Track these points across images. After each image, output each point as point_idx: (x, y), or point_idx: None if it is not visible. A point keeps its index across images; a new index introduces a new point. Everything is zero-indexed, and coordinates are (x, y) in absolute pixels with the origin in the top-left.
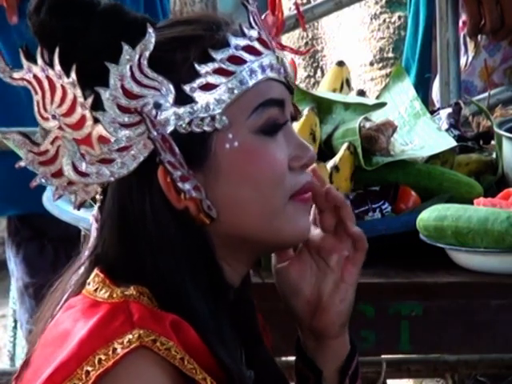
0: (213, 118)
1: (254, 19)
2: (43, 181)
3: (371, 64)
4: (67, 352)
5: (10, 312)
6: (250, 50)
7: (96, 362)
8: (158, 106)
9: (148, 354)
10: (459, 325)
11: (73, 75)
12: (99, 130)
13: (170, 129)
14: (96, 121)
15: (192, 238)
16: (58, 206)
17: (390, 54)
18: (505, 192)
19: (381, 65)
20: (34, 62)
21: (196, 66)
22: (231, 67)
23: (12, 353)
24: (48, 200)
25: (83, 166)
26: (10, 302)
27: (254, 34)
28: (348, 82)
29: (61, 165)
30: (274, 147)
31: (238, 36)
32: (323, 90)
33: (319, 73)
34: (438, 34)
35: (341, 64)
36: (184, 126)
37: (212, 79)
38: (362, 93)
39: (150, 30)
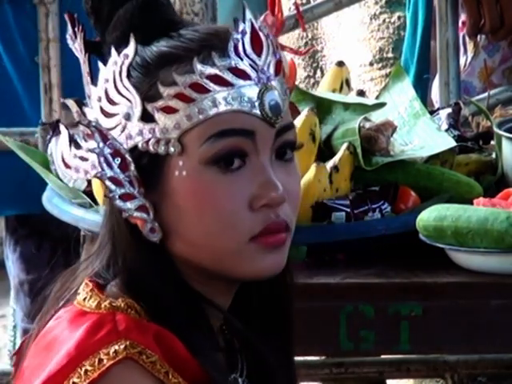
0: (168, 141)
1: (237, 47)
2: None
3: (371, 64)
4: (55, 364)
5: (10, 311)
6: (216, 79)
7: (82, 373)
8: (127, 117)
9: (134, 366)
10: (459, 325)
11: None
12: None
13: (131, 143)
14: None
15: (149, 252)
16: (58, 206)
17: (390, 55)
18: (504, 192)
19: (380, 65)
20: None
21: (160, 86)
22: (193, 94)
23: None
24: (47, 200)
25: (67, 157)
26: (10, 302)
27: (227, 63)
28: (348, 82)
29: None
30: (226, 184)
31: (205, 64)
32: (323, 90)
33: (319, 73)
34: (438, 34)
35: (340, 64)
36: (143, 143)
37: (172, 103)
38: (361, 93)
39: (132, 40)
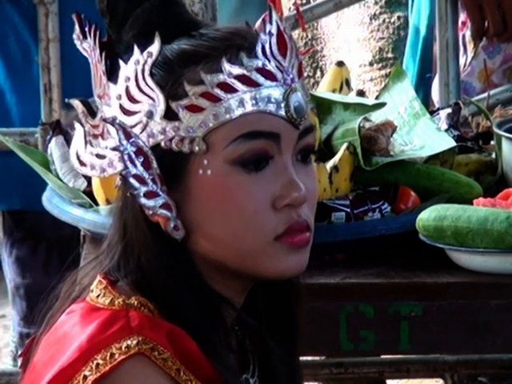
0: (192, 140)
1: (265, 48)
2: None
3: (371, 64)
4: (67, 358)
5: (10, 311)
6: (244, 79)
7: (94, 366)
8: (149, 115)
9: (146, 362)
10: (459, 325)
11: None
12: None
13: (153, 141)
14: None
15: (168, 250)
16: (58, 206)
17: (390, 55)
18: (504, 192)
19: (380, 65)
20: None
21: (185, 85)
22: (220, 94)
23: (15, 353)
24: (47, 200)
25: (82, 154)
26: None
27: (254, 63)
28: (347, 82)
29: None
30: (250, 183)
31: (233, 63)
32: (323, 91)
33: (319, 73)
34: (438, 34)
35: (340, 64)
36: (166, 142)
37: (198, 101)
38: (361, 93)
39: (157, 38)
